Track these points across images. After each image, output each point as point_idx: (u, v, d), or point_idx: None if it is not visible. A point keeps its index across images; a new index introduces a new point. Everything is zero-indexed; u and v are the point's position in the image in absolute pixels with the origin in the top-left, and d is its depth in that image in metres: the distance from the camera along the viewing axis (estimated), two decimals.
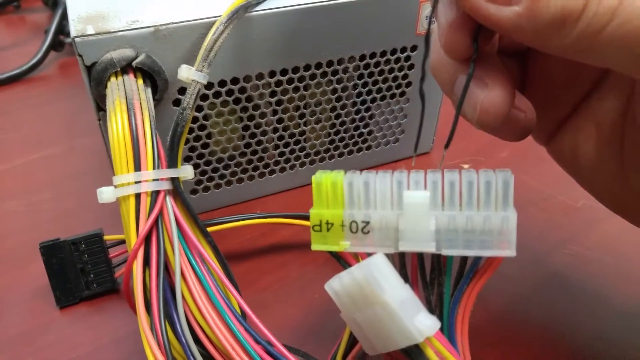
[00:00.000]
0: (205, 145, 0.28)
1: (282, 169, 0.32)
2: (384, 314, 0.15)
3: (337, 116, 0.31)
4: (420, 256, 0.17)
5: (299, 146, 0.31)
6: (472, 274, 0.17)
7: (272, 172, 0.31)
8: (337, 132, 0.32)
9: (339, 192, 0.17)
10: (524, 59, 0.20)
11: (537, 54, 0.19)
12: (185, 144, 0.27)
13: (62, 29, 0.51)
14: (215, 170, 0.29)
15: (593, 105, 0.18)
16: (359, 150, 0.33)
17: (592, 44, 0.13)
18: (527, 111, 0.18)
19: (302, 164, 0.32)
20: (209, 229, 0.25)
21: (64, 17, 0.50)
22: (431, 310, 0.17)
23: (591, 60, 0.14)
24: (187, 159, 0.28)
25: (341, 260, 0.18)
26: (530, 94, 0.20)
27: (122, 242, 0.25)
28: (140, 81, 0.23)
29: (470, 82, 0.17)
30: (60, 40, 0.52)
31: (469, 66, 0.16)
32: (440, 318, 0.17)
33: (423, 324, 0.15)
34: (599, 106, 0.18)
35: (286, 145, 0.31)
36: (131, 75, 0.23)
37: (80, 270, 0.24)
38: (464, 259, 0.17)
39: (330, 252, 0.18)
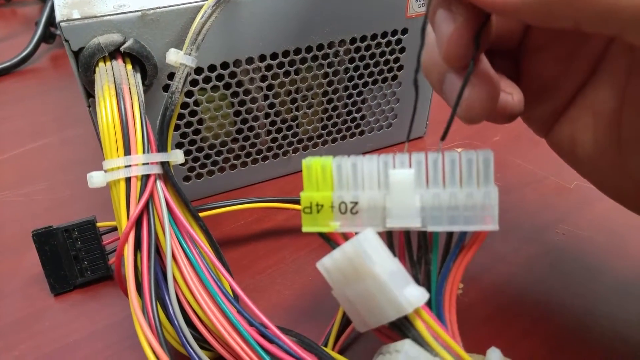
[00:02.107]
0: (196, 132, 0.28)
1: (275, 155, 0.32)
2: (374, 287, 0.15)
3: (330, 101, 0.31)
4: (407, 235, 0.18)
5: (291, 132, 0.31)
6: (457, 250, 0.17)
7: (265, 158, 0.31)
8: (329, 118, 0.32)
9: (328, 175, 0.17)
10: (515, 56, 0.20)
11: (528, 50, 0.20)
12: (177, 130, 0.27)
13: (53, 20, 0.51)
14: (207, 156, 0.29)
15: (589, 96, 0.18)
16: (352, 135, 0.33)
17: (608, 8, 0.12)
18: (515, 93, 0.19)
19: (295, 150, 0.32)
20: (203, 214, 0.25)
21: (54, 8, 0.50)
22: None
23: (604, 29, 0.13)
24: (178, 146, 0.28)
25: (330, 242, 0.18)
26: (524, 88, 0.20)
27: (116, 228, 0.25)
28: (129, 66, 0.23)
29: (456, 80, 0.17)
30: (51, 32, 0.51)
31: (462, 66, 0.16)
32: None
33: (412, 295, 0.15)
34: (595, 96, 0.18)
35: (278, 130, 0.31)
36: (120, 61, 0.23)
37: (74, 258, 0.24)
38: (450, 237, 0.17)
39: (320, 234, 0.18)
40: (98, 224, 0.25)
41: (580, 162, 0.19)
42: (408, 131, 0.19)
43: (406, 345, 0.15)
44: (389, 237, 0.18)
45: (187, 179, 0.30)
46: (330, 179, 0.17)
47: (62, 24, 0.22)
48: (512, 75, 0.20)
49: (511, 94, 0.19)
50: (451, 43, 0.16)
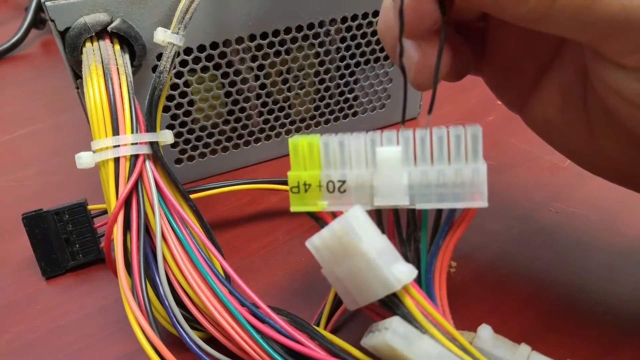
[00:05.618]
0: (187, 113, 0.28)
1: (268, 137, 0.31)
2: (362, 264, 0.15)
3: (322, 81, 0.31)
4: (396, 213, 0.17)
5: (283, 113, 0.31)
6: (447, 227, 0.17)
7: (257, 140, 0.31)
8: (322, 98, 0.31)
9: (315, 153, 0.17)
10: (480, 34, 0.20)
11: (492, 28, 0.20)
12: (167, 112, 0.27)
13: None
14: (199, 138, 0.29)
15: (555, 74, 0.19)
16: (345, 116, 0.33)
17: (547, 12, 0.14)
18: (463, 51, 0.19)
19: (288, 132, 0.32)
20: (195, 196, 0.25)
21: None
22: None
23: (547, 29, 0.14)
24: (169, 128, 0.28)
25: (319, 221, 0.18)
26: (490, 67, 0.20)
27: (107, 211, 0.25)
28: (117, 47, 0.22)
29: (410, 47, 0.17)
30: (42, 17, 0.51)
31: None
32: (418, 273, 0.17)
33: (400, 272, 0.15)
34: (561, 77, 0.18)
35: (270, 112, 0.30)
36: (107, 41, 0.22)
37: (65, 241, 0.24)
38: (439, 214, 0.17)
39: (309, 213, 0.18)
40: (89, 207, 0.25)
41: (554, 138, 0.20)
42: (402, 112, 0.18)
43: (394, 323, 0.15)
44: (378, 215, 0.18)
45: (178, 161, 0.30)
46: (318, 157, 0.17)
47: (47, 3, 0.21)
48: (477, 53, 0.20)
49: (460, 53, 0.19)
50: (411, 13, 0.15)
